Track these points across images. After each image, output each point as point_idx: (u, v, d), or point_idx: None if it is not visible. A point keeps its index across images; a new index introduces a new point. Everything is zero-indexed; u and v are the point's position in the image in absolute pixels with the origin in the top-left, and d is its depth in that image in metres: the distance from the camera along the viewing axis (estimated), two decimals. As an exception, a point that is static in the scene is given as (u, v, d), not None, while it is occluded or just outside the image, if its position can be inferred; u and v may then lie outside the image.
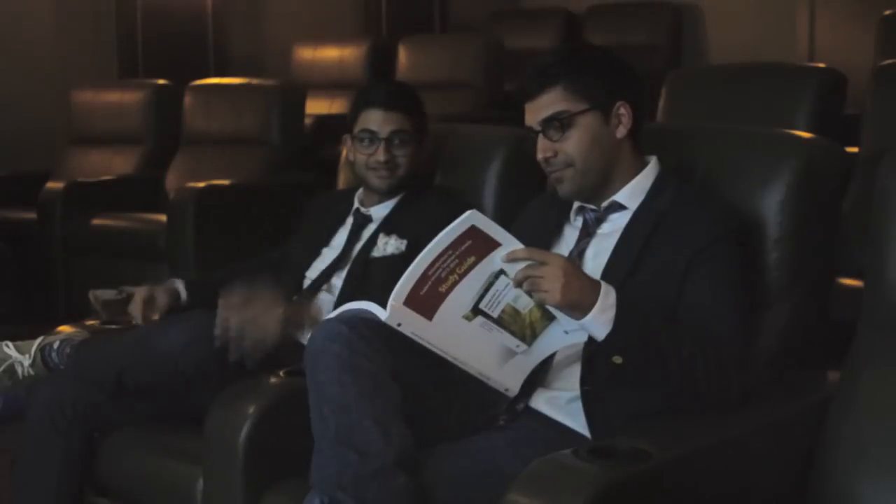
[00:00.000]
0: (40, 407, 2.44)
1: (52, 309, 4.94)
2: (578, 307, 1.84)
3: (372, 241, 2.60)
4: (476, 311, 1.89)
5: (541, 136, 2.09)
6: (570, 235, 2.17)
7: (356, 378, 1.91)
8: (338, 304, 2.51)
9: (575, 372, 2.01)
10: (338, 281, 2.59)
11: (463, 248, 1.86)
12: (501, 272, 1.88)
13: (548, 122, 2.07)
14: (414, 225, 2.55)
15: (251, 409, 2.14)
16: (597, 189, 2.12)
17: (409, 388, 1.95)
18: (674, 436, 1.84)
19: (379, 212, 2.66)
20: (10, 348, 2.56)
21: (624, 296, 1.88)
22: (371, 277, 2.54)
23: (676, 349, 1.87)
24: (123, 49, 6.54)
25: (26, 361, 2.55)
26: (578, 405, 2.00)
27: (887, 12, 5.88)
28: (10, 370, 2.54)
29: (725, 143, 2.28)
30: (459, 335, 1.90)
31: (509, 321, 1.92)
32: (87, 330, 2.67)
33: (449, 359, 1.91)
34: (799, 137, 2.30)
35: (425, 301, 1.85)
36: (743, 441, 1.91)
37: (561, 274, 1.83)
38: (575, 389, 2.00)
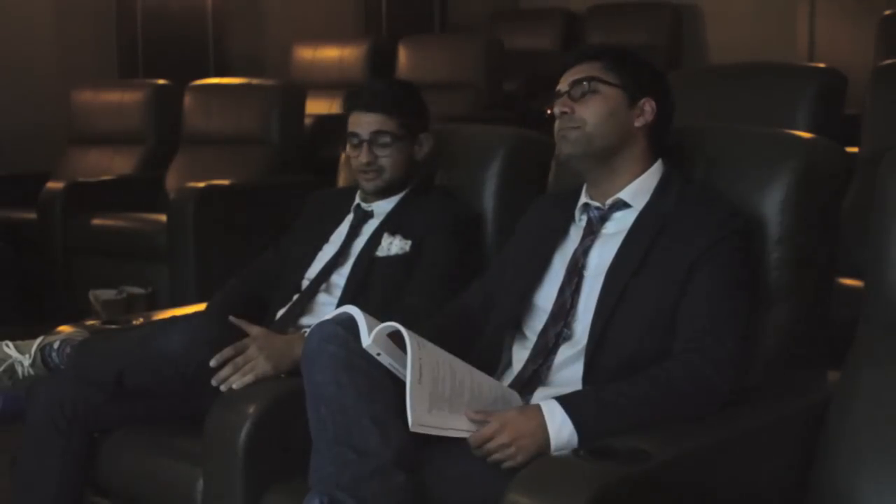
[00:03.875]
0: (40, 407, 2.43)
1: (52, 309, 4.94)
2: (540, 450, 1.85)
3: (375, 239, 2.59)
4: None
5: (565, 96, 2.14)
6: (575, 234, 2.18)
7: (353, 378, 1.91)
8: (341, 300, 2.51)
9: (575, 371, 2.01)
10: (337, 279, 2.59)
11: None
12: None
13: (576, 83, 2.14)
14: (418, 226, 2.56)
15: (251, 409, 2.14)
16: (596, 162, 2.13)
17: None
18: (674, 436, 1.84)
19: (381, 207, 2.66)
20: (10, 348, 2.56)
21: (566, 398, 1.89)
22: (374, 277, 2.54)
23: (643, 400, 1.88)
24: (123, 49, 6.54)
25: (26, 361, 2.54)
26: (579, 405, 2.00)
27: (887, 12, 5.89)
28: (10, 370, 2.54)
29: (725, 143, 2.28)
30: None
31: None
32: (87, 330, 2.67)
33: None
34: (799, 137, 2.30)
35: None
36: (743, 441, 1.91)
37: (507, 441, 1.85)
38: (575, 388, 2.00)
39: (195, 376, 2.30)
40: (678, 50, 7.45)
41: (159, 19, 6.71)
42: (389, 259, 2.55)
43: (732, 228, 2.03)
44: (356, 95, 2.65)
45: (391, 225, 2.61)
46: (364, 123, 2.61)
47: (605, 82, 2.12)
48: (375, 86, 2.68)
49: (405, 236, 2.56)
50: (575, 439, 1.85)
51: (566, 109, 2.13)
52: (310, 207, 2.83)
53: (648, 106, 2.14)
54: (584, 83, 2.13)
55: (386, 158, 2.60)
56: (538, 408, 1.88)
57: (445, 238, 2.54)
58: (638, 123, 2.13)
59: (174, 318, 2.73)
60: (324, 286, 2.59)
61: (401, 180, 2.63)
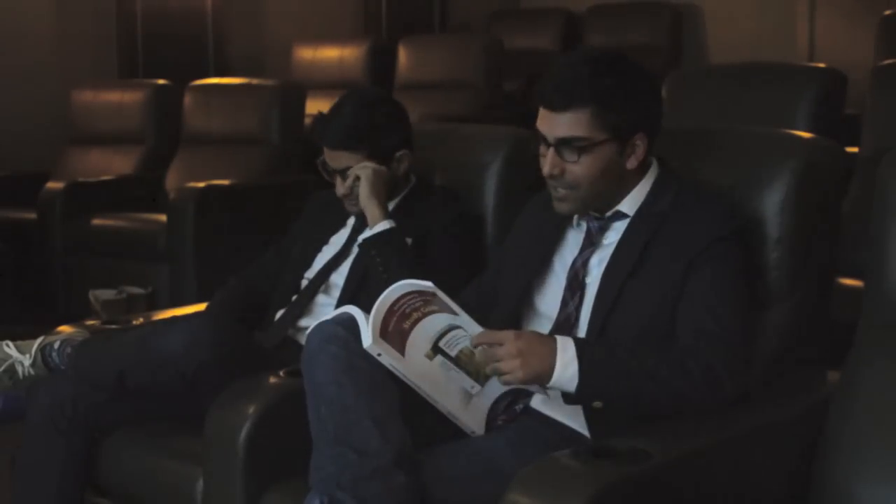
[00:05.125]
0: (41, 407, 2.43)
1: (52, 309, 4.94)
2: (542, 376, 1.87)
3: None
4: (436, 349, 1.94)
5: (552, 152, 2.04)
6: (572, 239, 2.16)
7: (354, 378, 1.91)
8: (340, 300, 2.51)
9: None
10: (337, 279, 2.59)
11: (428, 297, 1.94)
12: (460, 327, 1.95)
13: (565, 142, 2.02)
14: (418, 225, 2.55)
15: (251, 409, 2.14)
16: (596, 208, 2.11)
17: (407, 387, 1.95)
18: (674, 436, 1.84)
19: None
20: (10, 348, 2.56)
21: (582, 341, 1.90)
22: (374, 276, 2.53)
23: (651, 373, 1.88)
24: (123, 49, 6.54)
25: (27, 361, 2.54)
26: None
27: (887, 12, 5.89)
28: (11, 370, 2.54)
29: (725, 143, 2.28)
30: (427, 373, 1.94)
31: (465, 361, 1.96)
32: (87, 330, 2.67)
33: (423, 395, 1.95)
34: (799, 137, 2.30)
35: (394, 336, 1.90)
36: (743, 441, 1.91)
37: (516, 352, 1.86)
38: (572, 391, 1.99)
39: (195, 376, 2.30)
40: (678, 50, 7.45)
41: (159, 19, 6.71)
42: (389, 258, 2.54)
43: (731, 228, 2.03)
44: (320, 127, 2.60)
45: (391, 225, 2.60)
46: (332, 158, 2.59)
47: (596, 143, 2.00)
48: (335, 120, 2.58)
49: (405, 235, 2.56)
50: (574, 384, 1.86)
51: (556, 172, 2.03)
52: (311, 208, 2.83)
53: (640, 141, 2.04)
54: (574, 145, 2.00)
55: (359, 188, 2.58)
56: (554, 338, 1.89)
57: (451, 236, 2.54)
58: (630, 165, 2.05)
59: (174, 318, 2.73)
60: (323, 287, 2.59)
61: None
